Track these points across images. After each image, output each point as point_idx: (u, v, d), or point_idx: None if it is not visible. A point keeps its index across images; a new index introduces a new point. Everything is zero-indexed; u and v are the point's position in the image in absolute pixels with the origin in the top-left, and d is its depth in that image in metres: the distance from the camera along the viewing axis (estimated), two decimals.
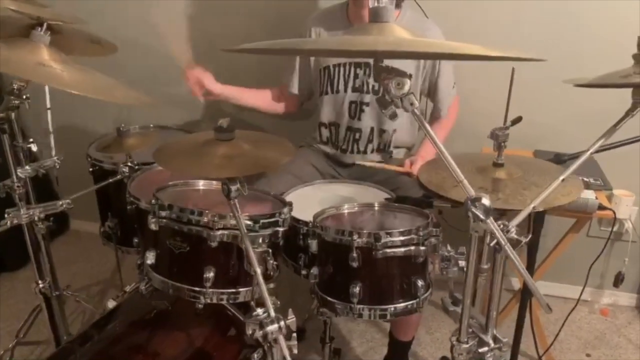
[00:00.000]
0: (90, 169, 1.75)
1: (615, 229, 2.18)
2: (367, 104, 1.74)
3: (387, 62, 0.83)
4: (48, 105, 1.73)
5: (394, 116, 0.84)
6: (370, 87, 1.71)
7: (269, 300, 0.97)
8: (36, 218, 1.42)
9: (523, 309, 1.64)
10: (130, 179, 1.57)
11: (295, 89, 1.87)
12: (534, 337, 1.80)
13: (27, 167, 1.46)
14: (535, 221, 1.45)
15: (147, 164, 1.62)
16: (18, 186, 1.37)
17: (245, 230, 1.01)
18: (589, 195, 1.68)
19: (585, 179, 1.78)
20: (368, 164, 1.69)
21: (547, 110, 2.06)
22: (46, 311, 1.56)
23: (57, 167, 1.58)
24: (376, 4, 0.80)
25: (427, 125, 0.84)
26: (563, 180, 1.00)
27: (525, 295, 1.64)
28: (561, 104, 2.04)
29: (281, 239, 1.25)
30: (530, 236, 0.94)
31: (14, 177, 1.37)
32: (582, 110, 2.01)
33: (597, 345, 2.12)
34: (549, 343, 1.92)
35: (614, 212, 1.72)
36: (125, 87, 1.20)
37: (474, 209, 0.83)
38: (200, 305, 1.26)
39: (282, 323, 0.96)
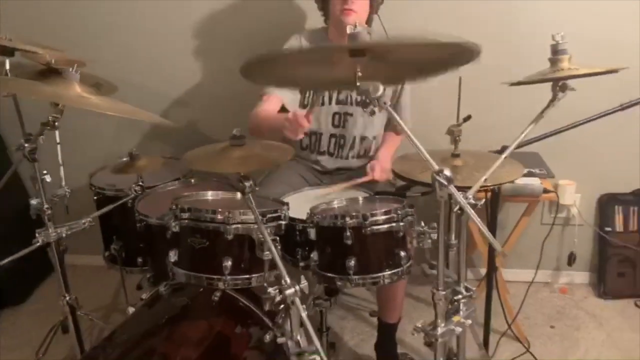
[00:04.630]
0: (95, 197, 1.96)
1: (563, 215, 2.50)
2: (351, 115, 1.95)
3: None
4: (58, 140, 1.94)
5: (372, 113, 1.09)
6: (354, 99, 1.93)
7: (283, 269, 1.20)
8: (64, 235, 1.61)
9: (490, 283, 1.90)
10: (137, 200, 1.78)
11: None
12: (503, 310, 2.05)
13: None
14: (492, 202, 1.72)
15: (151, 187, 1.83)
16: (47, 208, 1.56)
17: (261, 218, 1.25)
18: (534, 181, 1.98)
19: (531, 170, 2.09)
20: (335, 187, 1.83)
21: (495, 111, 2.30)
22: (72, 323, 1.71)
23: (67, 196, 1.77)
24: (354, 31, 1.07)
25: (398, 117, 1.10)
26: (505, 157, 1.28)
27: (491, 269, 1.90)
28: (507, 105, 2.28)
29: (283, 231, 1.47)
30: (484, 200, 1.20)
31: (43, 200, 1.56)
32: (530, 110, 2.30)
33: (559, 318, 2.41)
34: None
35: (557, 195, 2.02)
36: (143, 111, 1.44)
37: (438, 178, 1.09)
38: (215, 298, 1.49)
39: (297, 287, 1.18)
